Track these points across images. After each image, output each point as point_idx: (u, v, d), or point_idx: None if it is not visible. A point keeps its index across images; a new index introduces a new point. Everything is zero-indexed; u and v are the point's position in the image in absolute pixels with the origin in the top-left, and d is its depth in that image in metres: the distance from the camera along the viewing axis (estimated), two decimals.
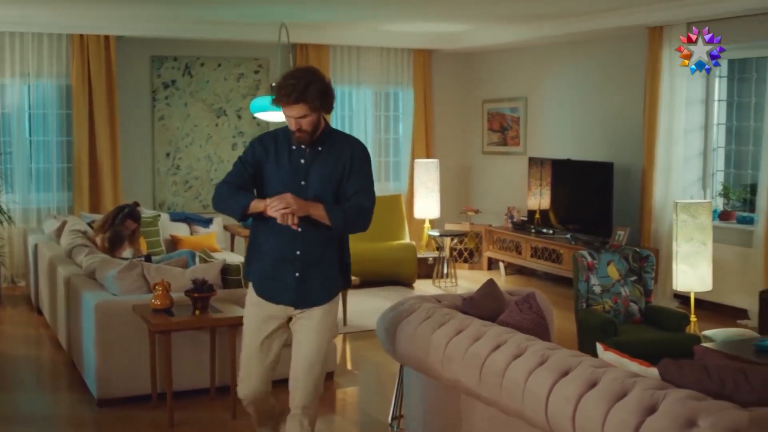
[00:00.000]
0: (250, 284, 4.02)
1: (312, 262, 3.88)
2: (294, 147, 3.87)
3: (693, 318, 6.33)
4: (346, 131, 10.96)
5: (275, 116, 8.31)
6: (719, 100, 8.57)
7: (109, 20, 9.32)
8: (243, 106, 10.36)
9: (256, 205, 3.78)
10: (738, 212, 8.27)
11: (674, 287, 6.61)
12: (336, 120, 10.70)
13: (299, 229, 3.81)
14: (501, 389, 3.44)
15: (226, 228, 9.53)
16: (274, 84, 3.90)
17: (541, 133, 10.48)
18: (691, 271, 6.34)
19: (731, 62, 8.51)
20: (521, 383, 3.34)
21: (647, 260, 6.32)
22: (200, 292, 5.24)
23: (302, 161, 3.86)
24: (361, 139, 11.26)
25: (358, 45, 10.68)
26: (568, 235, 9.33)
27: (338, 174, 3.85)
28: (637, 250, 6.45)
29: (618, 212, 8.92)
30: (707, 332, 6.28)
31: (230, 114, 10.44)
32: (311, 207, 3.77)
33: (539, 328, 4.18)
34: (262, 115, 8.61)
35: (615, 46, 9.29)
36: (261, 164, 3.89)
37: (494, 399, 3.51)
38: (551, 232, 9.65)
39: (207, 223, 9.21)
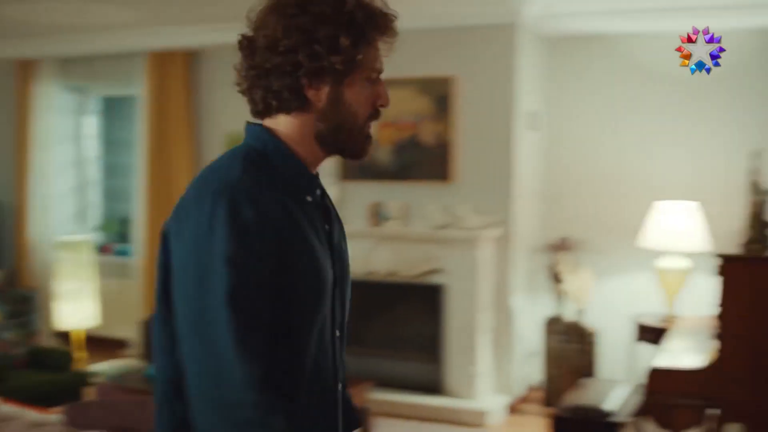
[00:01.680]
0: None
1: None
2: (309, 198, 1.75)
3: (80, 354, 6.33)
4: None
5: None
6: (94, 137, 8.73)
7: None
8: None
9: None
10: (115, 245, 8.50)
11: (58, 326, 6.54)
12: None
13: None
14: None
15: None
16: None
17: None
18: (76, 308, 6.35)
19: (105, 99, 8.74)
20: None
21: (30, 301, 6.18)
22: None
23: (326, 226, 1.80)
24: None
25: None
26: None
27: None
28: (20, 291, 6.27)
29: None
30: (95, 367, 6.36)
31: None
32: None
33: None
34: None
35: None
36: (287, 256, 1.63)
37: None
38: None
39: None
